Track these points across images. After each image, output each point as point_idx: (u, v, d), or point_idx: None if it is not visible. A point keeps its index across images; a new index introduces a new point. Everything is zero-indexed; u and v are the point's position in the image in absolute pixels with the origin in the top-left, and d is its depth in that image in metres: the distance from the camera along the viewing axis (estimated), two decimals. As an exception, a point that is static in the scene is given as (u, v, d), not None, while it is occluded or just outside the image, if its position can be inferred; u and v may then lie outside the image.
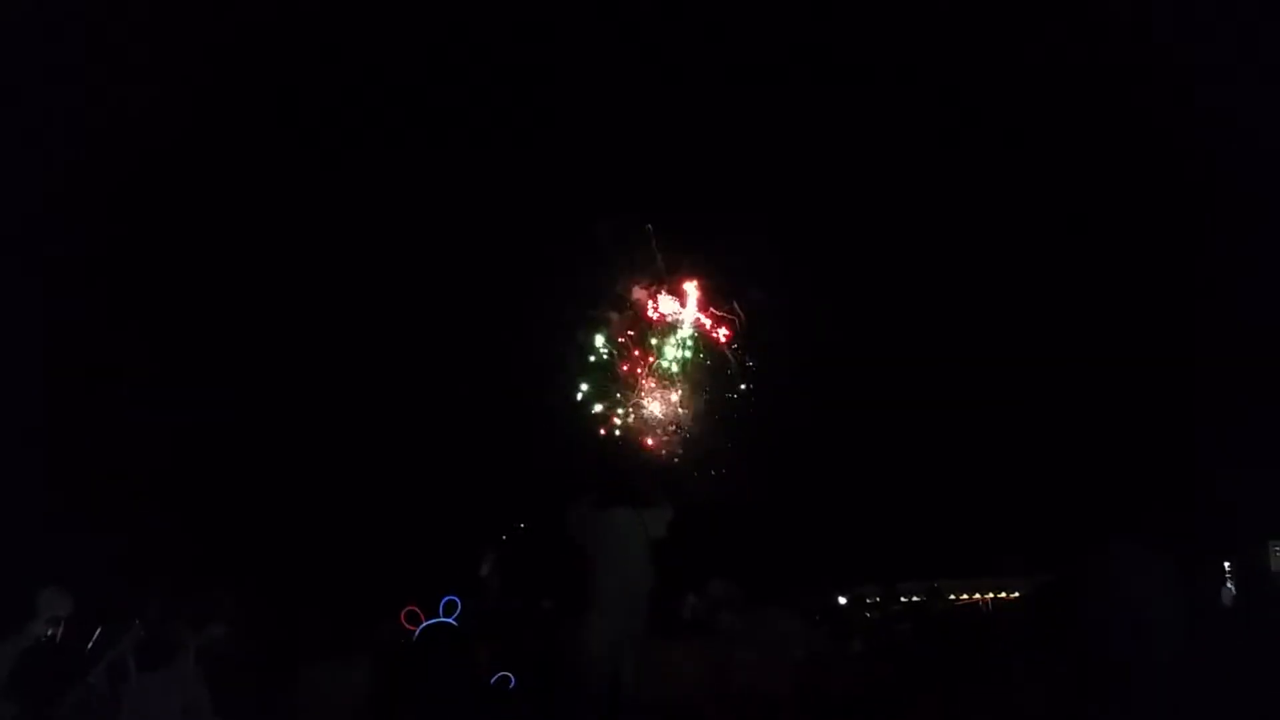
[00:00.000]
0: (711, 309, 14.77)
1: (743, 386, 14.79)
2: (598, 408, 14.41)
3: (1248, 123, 12.79)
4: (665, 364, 14.10)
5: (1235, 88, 12.60)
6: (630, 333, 14.38)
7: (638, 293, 14.17)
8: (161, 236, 15.28)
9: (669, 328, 14.07)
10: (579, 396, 14.24)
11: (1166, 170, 15.63)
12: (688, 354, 14.02)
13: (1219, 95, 12.94)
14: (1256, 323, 14.71)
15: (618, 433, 14.43)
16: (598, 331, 14.16)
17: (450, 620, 8.00)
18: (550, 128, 17.53)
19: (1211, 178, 14.84)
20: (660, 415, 14.68)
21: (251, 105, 16.08)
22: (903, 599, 11.58)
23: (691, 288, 14.20)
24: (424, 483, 16.05)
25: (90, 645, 5.71)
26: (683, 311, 14.24)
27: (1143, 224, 16.63)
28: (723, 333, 14.23)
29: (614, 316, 14.03)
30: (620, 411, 14.34)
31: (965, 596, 17.75)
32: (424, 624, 7.87)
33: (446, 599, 8.02)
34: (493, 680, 5.98)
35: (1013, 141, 17.51)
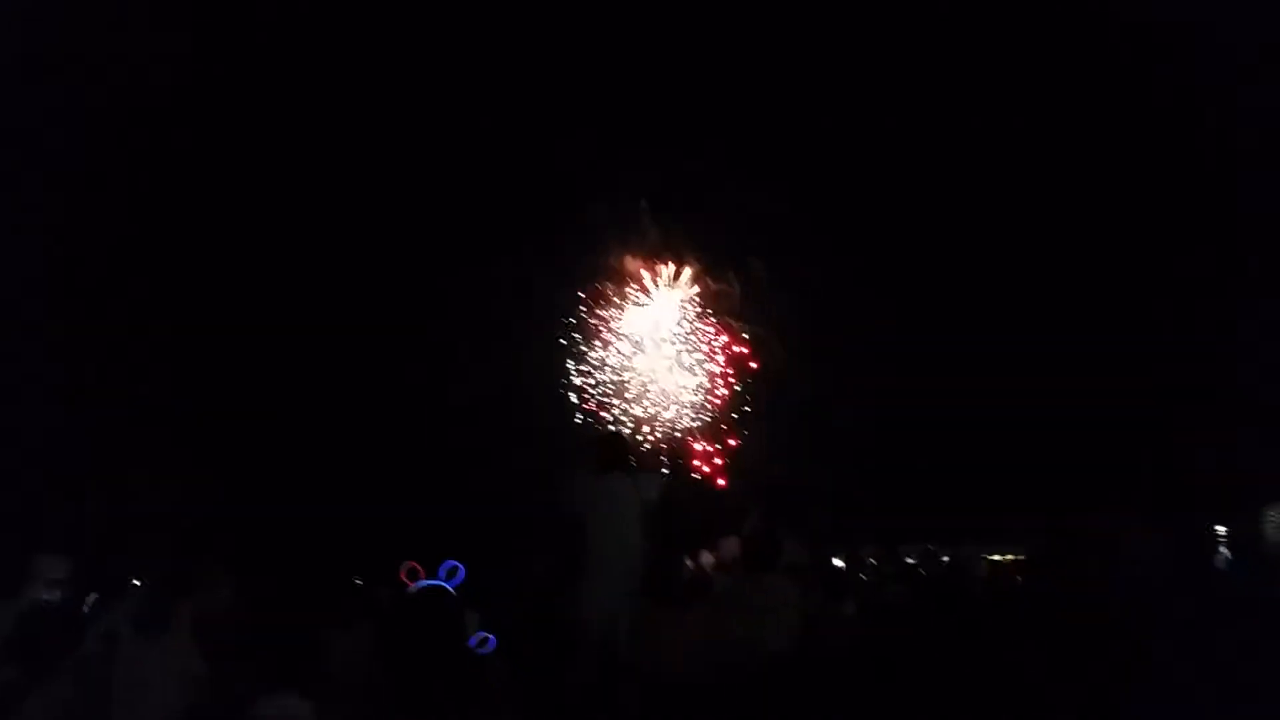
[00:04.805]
0: (709, 281, 14.65)
1: (742, 352, 14.73)
2: (595, 377, 14.37)
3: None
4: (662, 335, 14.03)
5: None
6: (629, 305, 14.29)
7: (632, 265, 14.09)
8: (163, 231, 15.30)
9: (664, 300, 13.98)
10: (578, 367, 14.17)
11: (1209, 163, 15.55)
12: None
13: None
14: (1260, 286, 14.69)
15: (614, 400, 14.37)
16: (596, 305, 14.08)
17: (448, 586, 7.96)
18: (544, 106, 17.43)
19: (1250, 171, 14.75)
20: (659, 383, 14.62)
21: (245, 104, 16.02)
22: (905, 560, 11.56)
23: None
24: (426, 448, 16.07)
25: (85, 611, 5.71)
26: (678, 283, 14.18)
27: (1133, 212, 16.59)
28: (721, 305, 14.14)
29: (610, 291, 13.97)
30: (617, 380, 14.27)
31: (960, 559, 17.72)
32: (420, 583, 7.82)
33: (448, 564, 7.99)
34: (472, 641, 5.97)
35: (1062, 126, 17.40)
